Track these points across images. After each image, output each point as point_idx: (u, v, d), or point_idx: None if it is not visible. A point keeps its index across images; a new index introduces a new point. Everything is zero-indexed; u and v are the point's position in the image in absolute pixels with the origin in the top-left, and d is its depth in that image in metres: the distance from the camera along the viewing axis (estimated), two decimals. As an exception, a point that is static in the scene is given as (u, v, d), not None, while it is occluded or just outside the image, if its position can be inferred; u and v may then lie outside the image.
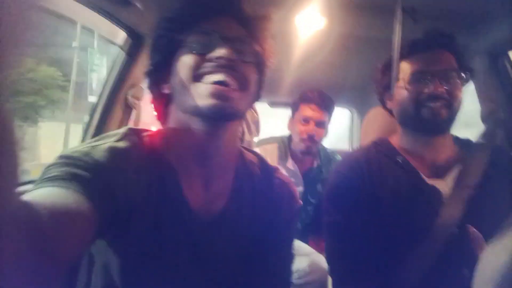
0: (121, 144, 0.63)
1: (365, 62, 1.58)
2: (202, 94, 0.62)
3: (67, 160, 0.55)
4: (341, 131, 2.66)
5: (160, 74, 0.71)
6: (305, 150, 1.66)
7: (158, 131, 0.72)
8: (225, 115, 0.63)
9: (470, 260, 0.79)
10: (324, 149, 1.82)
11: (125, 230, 0.60)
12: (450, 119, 0.90)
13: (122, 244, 0.62)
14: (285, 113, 1.87)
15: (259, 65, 0.71)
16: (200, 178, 0.69)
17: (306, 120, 1.64)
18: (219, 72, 0.62)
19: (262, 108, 2.30)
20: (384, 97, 1.05)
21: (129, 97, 1.35)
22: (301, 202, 0.84)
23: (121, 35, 1.32)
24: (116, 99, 1.34)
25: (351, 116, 2.55)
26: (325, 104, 1.64)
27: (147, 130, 0.72)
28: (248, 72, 0.67)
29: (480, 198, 0.85)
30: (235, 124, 0.71)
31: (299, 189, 1.69)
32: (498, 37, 1.22)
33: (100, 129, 1.31)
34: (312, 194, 1.76)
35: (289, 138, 1.80)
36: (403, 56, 0.94)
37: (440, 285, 0.84)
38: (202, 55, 0.64)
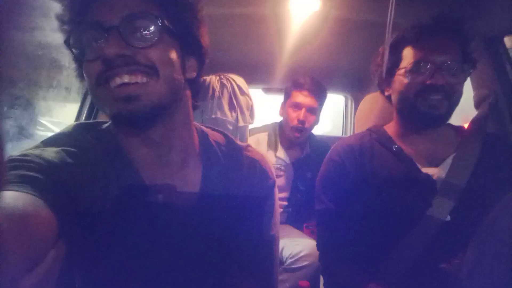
0: (74, 142, 0.60)
1: (360, 47, 1.57)
2: (107, 101, 0.56)
3: (18, 163, 0.52)
4: (335, 117, 2.66)
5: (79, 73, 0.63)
6: (296, 136, 1.66)
7: (110, 129, 0.67)
8: (139, 118, 0.57)
9: (461, 247, 0.81)
10: (314, 137, 1.82)
11: (88, 229, 0.58)
12: (448, 112, 0.89)
13: (86, 244, 0.60)
14: (280, 99, 1.85)
15: (182, 40, 0.62)
16: (162, 169, 0.66)
17: (297, 106, 1.63)
18: (118, 73, 0.54)
19: (256, 94, 2.29)
20: (384, 82, 1.03)
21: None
22: (275, 177, 0.82)
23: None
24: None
25: (345, 102, 2.54)
26: (317, 91, 1.63)
27: (98, 123, 0.69)
28: (157, 55, 0.57)
29: (474, 185, 0.85)
30: (166, 115, 0.63)
31: (289, 176, 1.70)
32: (493, 22, 1.21)
33: (91, 116, 1.29)
34: (302, 182, 1.77)
35: (280, 125, 1.79)
36: (407, 42, 0.92)
37: (431, 273, 0.84)
38: (95, 60, 0.55)
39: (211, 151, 0.73)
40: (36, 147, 0.59)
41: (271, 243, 0.78)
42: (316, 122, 1.69)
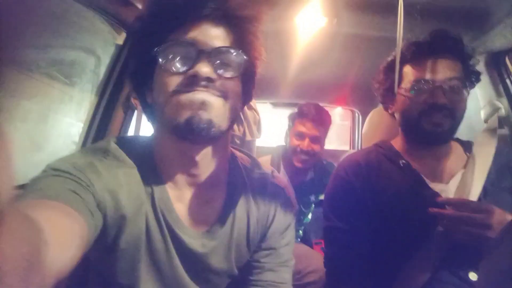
0: (110, 158, 0.62)
1: (367, 62, 1.58)
2: (179, 108, 0.59)
3: (55, 172, 0.54)
4: (343, 131, 2.65)
5: (140, 81, 0.67)
6: (300, 166, 1.64)
7: (145, 143, 0.69)
8: (204, 130, 0.59)
9: (474, 263, 0.79)
10: (321, 161, 1.80)
11: (114, 246, 0.60)
12: (452, 129, 0.88)
13: (110, 259, 0.62)
14: (288, 113, 1.85)
15: (245, 76, 0.67)
16: (192, 191, 0.68)
17: (300, 136, 1.62)
18: (198, 91, 0.58)
19: (264, 108, 2.30)
20: (386, 100, 1.02)
21: (132, 99, 1.35)
22: (297, 206, 0.83)
23: (122, 35, 1.31)
24: (118, 100, 1.33)
25: (352, 116, 2.54)
26: (321, 120, 1.62)
27: (133, 139, 0.71)
28: (230, 85, 0.62)
29: (484, 201, 0.83)
30: (220, 141, 0.67)
31: None
32: (499, 36, 1.21)
33: (101, 130, 1.31)
34: (305, 205, 1.76)
35: (285, 149, 1.77)
36: (407, 60, 0.91)
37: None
38: (180, 73, 0.59)
39: (239, 175, 0.74)
40: (73, 156, 0.61)
41: (290, 270, 0.79)
42: (320, 149, 1.67)
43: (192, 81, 0.58)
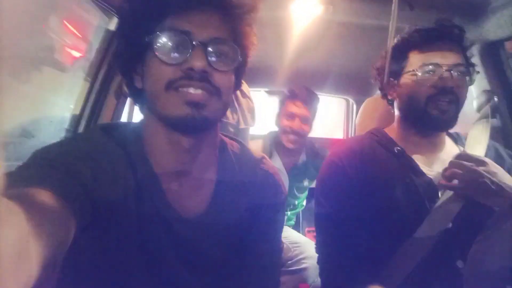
0: (98, 145, 0.62)
1: (362, 51, 1.58)
2: (176, 104, 0.58)
3: (42, 160, 0.54)
4: (336, 120, 2.66)
5: (129, 65, 0.65)
6: (291, 146, 1.68)
7: (134, 130, 0.68)
8: (198, 126, 0.60)
9: (463, 252, 0.81)
10: (311, 145, 1.83)
11: (104, 232, 0.60)
12: (455, 116, 0.88)
13: (102, 246, 0.62)
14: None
15: (238, 69, 0.66)
16: (181, 178, 0.68)
17: (291, 116, 1.66)
18: (193, 85, 0.58)
19: (259, 96, 2.29)
20: (386, 87, 1.01)
21: (124, 85, 1.33)
22: (286, 191, 0.84)
23: (113, 21, 1.29)
24: (110, 87, 1.31)
25: (346, 105, 2.54)
26: (310, 101, 1.67)
27: (121, 125, 0.70)
28: (225, 81, 0.62)
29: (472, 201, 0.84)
30: (211, 131, 0.69)
31: (285, 183, 1.71)
32: (494, 26, 1.21)
33: (93, 117, 1.29)
34: (299, 189, 1.79)
35: (276, 134, 1.80)
36: (413, 45, 0.92)
37: (433, 278, 0.84)
38: (174, 65, 0.58)
39: (228, 161, 0.75)
40: (60, 144, 0.60)
41: (279, 254, 0.81)
42: (309, 130, 1.71)
43: (187, 75, 0.58)
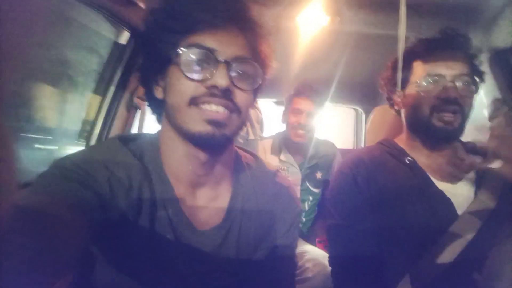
0: (116, 155, 0.63)
1: (370, 60, 1.58)
2: (195, 121, 0.59)
3: (60, 170, 0.55)
4: (346, 130, 2.65)
5: (150, 77, 0.67)
6: (300, 140, 1.71)
7: (151, 141, 0.69)
8: (217, 143, 0.61)
9: (480, 263, 0.79)
10: (317, 140, 1.86)
11: (118, 243, 0.60)
12: (461, 127, 0.87)
13: (115, 257, 0.62)
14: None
15: (257, 88, 0.67)
16: (197, 190, 0.69)
17: (298, 112, 1.70)
18: (215, 102, 0.59)
19: (267, 106, 2.31)
20: (393, 97, 1.00)
21: (135, 98, 1.36)
22: (300, 206, 0.84)
23: (125, 35, 1.32)
24: (121, 99, 1.34)
25: (356, 115, 2.53)
26: (316, 97, 1.71)
27: (138, 136, 0.71)
28: (245, 99, 0.63)
29: (497, 213, 0.82)
30: (228, 145, 0.70)
31: (297, 177, 1.74)
32: (503, 34, 1.20)
33: (105, 129, 1.32)
34: (313, 183, 1.79)
35: (285, 133, 1.84)
36: (417, 55, 0.91)
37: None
38: (198, 81, 0.59)
39: (243, 174, 0.75)
40: (79, 154, 0.62)
41: (294, 267, 0.80)
42: (315, 126, 1.75)
43: (210, 92, 0.59)
